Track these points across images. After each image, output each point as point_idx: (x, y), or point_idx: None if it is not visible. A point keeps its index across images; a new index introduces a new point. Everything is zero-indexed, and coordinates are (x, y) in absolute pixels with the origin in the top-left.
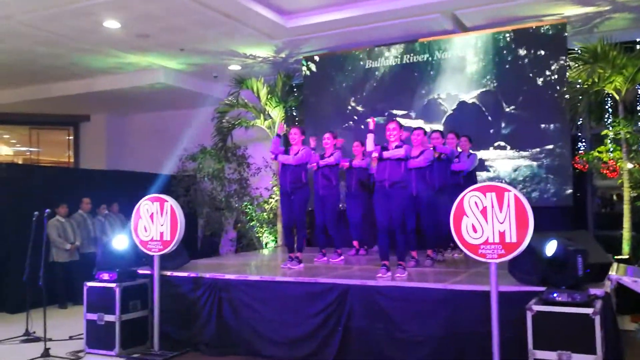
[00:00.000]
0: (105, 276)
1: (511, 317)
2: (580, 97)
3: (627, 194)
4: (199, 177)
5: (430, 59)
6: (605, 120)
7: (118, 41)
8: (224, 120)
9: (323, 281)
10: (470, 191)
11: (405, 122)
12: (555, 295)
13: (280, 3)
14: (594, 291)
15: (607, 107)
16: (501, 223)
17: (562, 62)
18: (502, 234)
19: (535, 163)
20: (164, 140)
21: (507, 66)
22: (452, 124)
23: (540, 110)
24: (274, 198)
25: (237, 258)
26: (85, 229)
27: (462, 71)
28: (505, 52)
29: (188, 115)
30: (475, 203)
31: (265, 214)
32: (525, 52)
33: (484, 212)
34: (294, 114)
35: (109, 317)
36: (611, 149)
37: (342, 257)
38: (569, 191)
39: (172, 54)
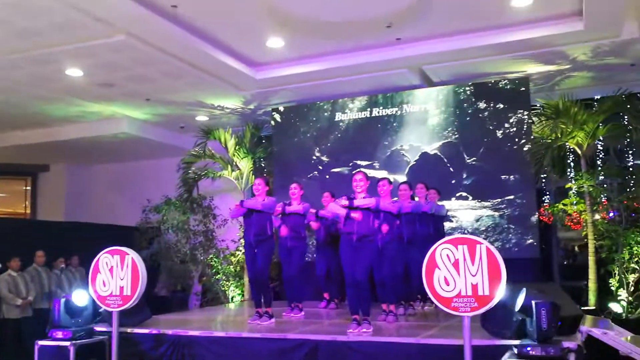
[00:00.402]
0: (59, 334)
1: None
2: (544, 152)
3: (591, 245)
4: (163, 229)
5: (393, 111)
6: (568, 173)
7: (80, 90)
8: (190, 171)
9: (292, 337)
10: (442, 243)
11: (369, 172)
12: (528, 349)
13: (249, 55)
14: (567, 344)
15: (569, 161)
16: (473, 276)
17: (520, 115)
18: (474, 287)
19: (497, 213)
20: (127, 191)
21: (467, 119)
22: (415, 175)
23: (500, 162)
24: (240, 250)
25: (202, 313)
26: (39, 283)
27: (425, 123)
28: (465, 105)
29: (152, 165)
30: (447, 255)
31: (231, 266)
32: (485, 105)
33: (456, 264)
34: (262, 164)
35: None
36: (574, 202)
37: (302, 313)
38: (530, 241)
39: (137, 104)
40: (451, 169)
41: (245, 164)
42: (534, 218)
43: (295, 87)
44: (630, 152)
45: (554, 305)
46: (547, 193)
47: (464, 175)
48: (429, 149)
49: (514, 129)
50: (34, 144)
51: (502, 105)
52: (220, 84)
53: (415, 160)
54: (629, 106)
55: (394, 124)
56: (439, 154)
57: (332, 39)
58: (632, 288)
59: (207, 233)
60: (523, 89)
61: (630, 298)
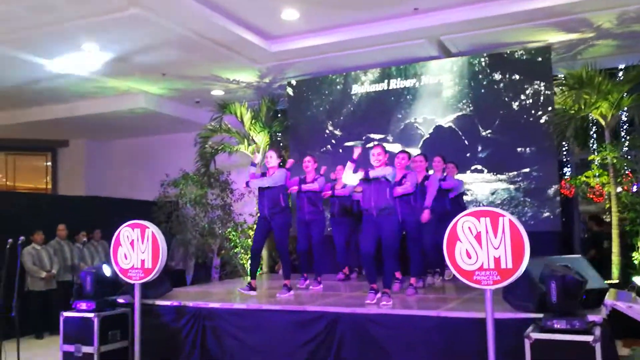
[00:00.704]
0: (83, 305)
1: (508, 345)
2: (567, 123)
3: (615, 218)
4: (181, 204)
5: (407, 83)
6: (591, 145)
7: (98, 65)
8: (206, 146)
9: (311, 309)
10: (463, 216)
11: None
12: (553, 322)
13: (265, 27)
14: (592, 318)
15: (591, 132)
16: (496, 249)
17: (536, 86)
18: (497, 260)
19: (512, 186)
20: (145, 165)
21: (482, 90)
22: (429, 148)
23: (516, 134)
24: None
25: (221, 285)
26: (62, 256)
27: (439, 95)
28: (480, 76)
29: (169, 140)
30: (469, 228)
31: (249, 240)
32: (500, 76)
33: (478, 237)
34: (279, 139)
35: (87, 349)
36: (597, 174)
37: (321, 285)
38: (547, 214)
39: (153, 79)
40: (466, 142)
41: (261, 138)
42: (552, 191)
43: (311, 60)
44: None
45: (565, 279)
46: (569, 165)
47: (479, 148)
48: (443, 122)
49: (530, 100)
50: (53, 119)
51: (518, 77)
52: (235, 57)
53: (429, 134)
54: None
55: (408, 97)
56: (453, 126)
57: (347, 9)
58: None
59: (225, 207)
60: (540, 59)
61: None
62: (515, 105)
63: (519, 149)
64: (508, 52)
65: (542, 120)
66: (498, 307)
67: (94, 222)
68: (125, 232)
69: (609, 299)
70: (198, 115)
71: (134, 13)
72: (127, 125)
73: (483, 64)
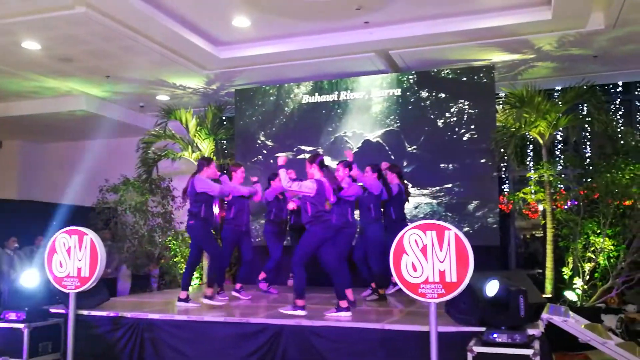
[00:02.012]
0: (12, 316)
1: (451, 358)
2: (508, 140)
3: (550, 234)
4: (121, 210)
5: (337, 97)
6: (527, 163)
7: (37, 63)
8: (149, 152)
9: (254, 321)
10: (410, 229)
11: None
12: (495, 336)
13: (215, 33)
14: (531, 331)
15: (528, 150)
16: (441, 262)
17: (460, 105)
18: (442, 273)
19: (434, 201)
20: (84, 170)
21: (410, 107)
22: (358, 162)
23: (440, 151)
24: None
25: (160, 296)
26: None
27: (368, 111)
28: (408, 93)
29: (111, 145)
30: (415, 241)
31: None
32: (427, 94)
33: (424, 250)
34: (224, 146)
35: None
36: (534, 191)
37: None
38: (466, 229)
39: (96, 81)
40: (392, 157)
41: (206, 145)
42: (472, 206)
43: (260, 68)
44: (588, 143)
45: (526, 294)
46: (507, 182)
47: (405, 163)
48: (371, 137)
49: (455, 118)
50: None
51: (443, 95)
52: (183, 62)
53: (358, 147)
54: (590, 97)
55: (338, 111)
56: (381, 141)
57: (299, 20)
58: (587, 277)
59: (166, 215)
60: (465, 78)
61: (585, 286)
62: (440, 122)
63: (441, 165)
64: (435, 70)
65: (464, 138)
66: (441, 321)
67: (26, 227)
68: (62, 239)
69: (544, 313)
70: (142, 120)
71: (79, 12)
72: (67, 128)
73: (411, 81)
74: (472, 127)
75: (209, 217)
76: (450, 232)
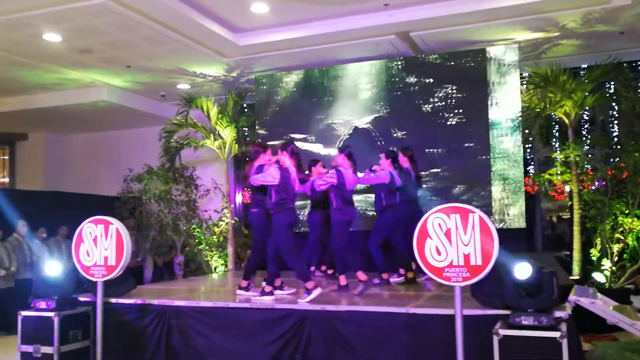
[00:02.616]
0: (43, 304)
1: (476, 341)
2: (533, 121)
3: (577, 215)
4: (145, 199)
5: (327, 85)
6: (553, 143)
7: (59, 55)
8: (172, 140)
9: (279, 307)
10: (434, 212)
11: (303, 145)
12: (521, 318)
13: (233, 20)
14: (558, 314)
15: (554, 131)
16: (466, 245)
17: (447, 89)
18: (466, 257)
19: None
20: (108, 160)
21: (398, 93)
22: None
23: (426, 136)
24: (224, 221)
25: (186, 283)
26: (22, 253)
27: (357, 97)
28: (397, 79)
29: (133, 134)
30: (439, 225)
31: (214, 237)
32: (415, 79)
33: (447, 234)
34: (246, 134)
35: (47, 349)
36: (560, 172)
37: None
38: None
39: (117, 71)
40: (381, 142)
41: (228, 133)
42: (456, 190)
43: (281, 54)
44: (616, 122)
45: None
46: (532, 163)
47: (393, 149)
48: (360, 123)
49: (442, 103)
50: (12, 111)
51: (431, 80)
52: (202, 50)
53: (347, 134)
54: (617, 75)
55: (329, 99)
56: (370, 127)
57: (317, 4)
58: (616, 258)
59: (190, 203)
60: (452, 63)
61: (614, 268)
62: (427, 107)
63: (427, 150)
64: (422, 56)
65: (453, 122)
66: (466, 304)
67: (54, 217)
68: (88, 229)
69: (572, 295)
70: (163, 109)
71: (99, 3)
72: (90, 119)
73: (399, 67)
74: (460, 111)
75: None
76: (475, 214)
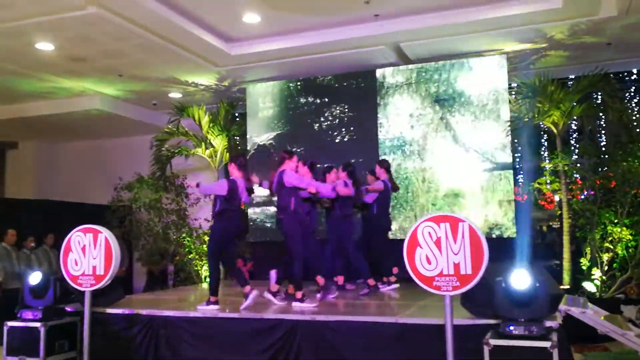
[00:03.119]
0: (29, 314)
1: (467, 351)
2: (521, 130)
3: (566, 224)
4: (135, 208)
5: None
6: (541, 153)
7: (51, 64)
8: (163, 149)
9: (269, 317)
10: (424, 221)
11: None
12: (512, 328)
13: (225, 30)
14: (549, 323)
15: (542, 140)
16: (456, 254)
17: (338, 108)
18: (456, 266)
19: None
20: (99, 169)
21: (297, 112)
22: (250, 165)
23: (319, 152)
24: None
25: (175, 293)
26: (9, 262)
27: (259, 115)
28: (295, 99)
29: (125, 143)
30: (429, 233)
31: (204, 246)
32: (311, 99)
33: (438, 243)
34: (237, 143)
35: None
36: (549, 181)
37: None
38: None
39: (109, 80)
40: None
41: (219, 142)
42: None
43: (272, 64)
44: (603, 132)
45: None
46: (521, 172)
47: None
48: (261, 140)
49: (336, 120)
50: (2, 120)
51: (324, 99)
52: (194, 59)
53: (253, 151)
54: (604, 86)
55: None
56: (271, 144)
57: (309, 14)
58: (606, 267)
59: (180, 211)
60: (345, 84)
61: (604, 277)
62: (321, 125)
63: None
64: (320, 77)
65: (338, 140)
66: (457, 313)
67: (43, 226)
68: (77, 237)
69: (562, 304)
70: (155, 117)
71: (91, 12)
72: (81, 127)
73: (299, 87)
74: (352, 129)
75: (298, 211)
76: (465, 224)
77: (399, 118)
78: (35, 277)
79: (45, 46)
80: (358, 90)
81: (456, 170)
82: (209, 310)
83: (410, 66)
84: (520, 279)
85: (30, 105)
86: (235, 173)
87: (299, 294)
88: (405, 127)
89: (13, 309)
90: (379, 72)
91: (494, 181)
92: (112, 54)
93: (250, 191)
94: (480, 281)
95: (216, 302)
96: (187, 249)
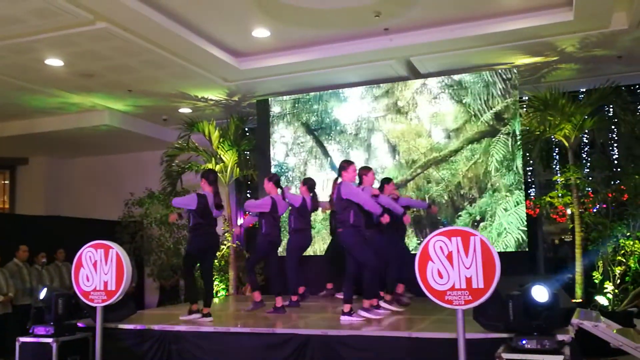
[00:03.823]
0: (41, 330)
1: None
2: (533, 144)
3: (578, 238)
4: (146, 223)
5: None
6: (554, 166)
7: (60, 80)
8: (173, 164)
9: (281, 332)
10: (435, 235)
11: None
12: (524, 342)
13: (235, 45)
14: (561, 337)
15: (554, 154)
16: (467, 268)
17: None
18: (468, 280)
19: None
20: (109, 185)
21: None
22: None
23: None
24: (225, 244)
25: (186, 308)
26: (21, 278)
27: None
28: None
29: (135, 158)
30: (441, 248)
31: (216, 261)
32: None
33: (449, 257)
34: (247, 157)
35: None
36: (561, 195)
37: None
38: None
39: (118, 95)
40: None
41: (229, 157)
42: None
43: (281, 79)
44: (615, 145)
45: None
46: (534, 186)
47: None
48: None
49: None
50: (13, 136)
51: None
52: (204, 74)
53: None
54: (615, 99)
55: None
56: None
57: (318, 29)
58: (618, 281)
59: None
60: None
61: (616, 291)
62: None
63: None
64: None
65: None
66: (469, 328)
67: (54, 242)
68: (88, 253)
69: (575, 318)
70: (165, 133)
71: (100, 28)
72: (91, 143)
73: None
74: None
75: (358, 224)
76: (476, 237)
77: (282, 145)
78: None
79: (54, 62)
80: (258, 119)
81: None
82: (192, 318)
83: (285, 97)
84: (534, 293)
85: (40, 121)
86: (206, 188)
87: (366, 303)
88: (287, 154)
89: (25, 325)
90: (271, 101)
91: None
92: (121, 69)
93: (219, 207)
94: (492, 295)
95: (197, 311)
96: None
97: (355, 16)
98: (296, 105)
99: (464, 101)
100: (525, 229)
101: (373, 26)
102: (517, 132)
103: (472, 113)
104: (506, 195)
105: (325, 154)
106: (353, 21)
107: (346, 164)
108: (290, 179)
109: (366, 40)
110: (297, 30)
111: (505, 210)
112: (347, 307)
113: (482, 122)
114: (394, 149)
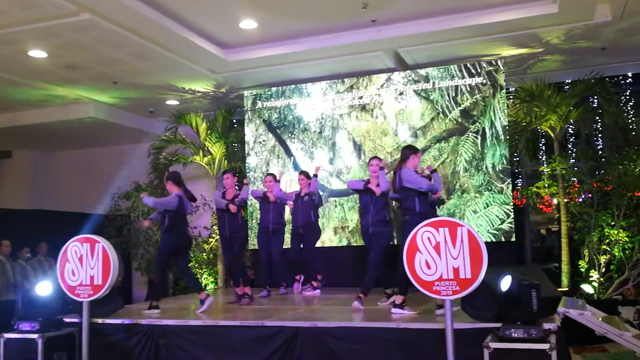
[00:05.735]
0: (26, 326)
1: (467, 355)
2: (519, 135)
3: (564, 227)
4: (133, 217)
5: None
6: (540, 157)
7: (44, 72)
8: (160, 157)
9: (270, 324)
10: (423, 226)
11: None
12: (511, 331)
13: (222, 36)
14: (547, 326)
15: (540, 144)
16: (455, 259)
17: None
18: (456, 270)
19: None
20: (95, 178)
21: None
22: None
23: None
24: (213, 237)
25: (175, 301)
26: (4, 274)
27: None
28: None
29: (121, 151)
30: (428, 238)
31: (204, 254)
32: None
33: (437, 247)
34: (235, 150)
35: None
36: (547, 185)
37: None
38: None
39: (104, 87)
40: None
41: (217, 149)
42: None
43: (268, 70)
44: (600, 135)
45: (539, 288)
46: (520, 176)
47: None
48: None
49: None
50: None
51: None
52: (191, 66)
53: None
54: (599, 90)
55: None
56: None
57: (306, 20)
58: (604, 269)
59: None
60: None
61: (601, 279)
62: None
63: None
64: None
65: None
66: (457, 318)
67: (38, 237)
68: (74, 247)
69: (561, 306)
70: (151, 125)
71: (84, 19)
72: (76, 136)
73: None
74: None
75: (425, 211)
76: (463, 228)
77: (245, 145)
78: (42, 287)
79: (38, 53)
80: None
81: None
82: (149, 313)
83: (246, 93)
84: (508, 282)
85: (23, 113)
86: (174, 189)
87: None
88: (249, 153)
89: (9, 321)
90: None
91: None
92: (107, 61)
93: (192, 199)
94: (479, 285)
95: (157, 307)
96: None
97: (342, 8)
98: (257, 101)
99: (430, 97)
100: (496, 232)
101: (360, 18)
102: (488, 129)
103: (440, 110)
104: (475, 197)
105: (289, 153)
106: (341, 13)
107: (413, 150)
108: (252, 179)
109: (354, 31)
110: (284, 22)
111: (475, 212)
112: (399, 299)
113: (449, 119)
114: (359, 149)
